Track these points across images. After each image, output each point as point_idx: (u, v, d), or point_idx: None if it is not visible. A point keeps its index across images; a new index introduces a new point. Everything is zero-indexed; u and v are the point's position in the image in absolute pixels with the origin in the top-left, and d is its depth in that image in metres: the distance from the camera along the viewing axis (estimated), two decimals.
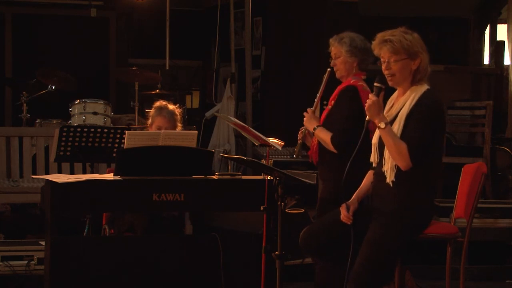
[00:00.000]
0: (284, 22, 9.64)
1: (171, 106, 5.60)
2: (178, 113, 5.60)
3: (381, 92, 4.29)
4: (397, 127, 4.23)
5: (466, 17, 11.70)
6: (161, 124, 5.51)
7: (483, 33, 11.75)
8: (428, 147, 4.19)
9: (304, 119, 5.08)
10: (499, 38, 11.45)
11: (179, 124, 5.60)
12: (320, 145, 5.07)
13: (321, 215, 4.98)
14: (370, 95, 4.26)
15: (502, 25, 11.31)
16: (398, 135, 4.20)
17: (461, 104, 9.01)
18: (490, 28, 11.68)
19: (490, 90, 10.75)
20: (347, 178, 4.27)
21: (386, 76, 4.29)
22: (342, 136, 4.91)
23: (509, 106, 9.59)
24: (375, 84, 4.31)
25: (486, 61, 11.81)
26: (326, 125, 5.00)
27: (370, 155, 4.43)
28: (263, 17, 9.78)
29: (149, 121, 5.64)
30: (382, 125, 4.18)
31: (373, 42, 4.34)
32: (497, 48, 11.12)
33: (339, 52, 5.04)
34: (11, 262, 5.88)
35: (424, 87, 4.28)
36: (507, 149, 8.83)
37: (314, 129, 5.01)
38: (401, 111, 4.26)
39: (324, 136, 4.96)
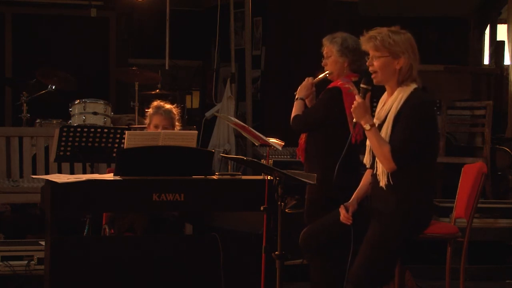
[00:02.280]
0: (284, 22, 9.64)
1: (167, 105, 5.62)
2: (175, 112, 5.61)
3: (367, 93, 4.31)
4: (386, 129, 4.23)
5: (466, 17, 11.69)
6: (158, 122, 5.52)
7: (483, 33, 11.74)
8: (418, 148, 4.18)
9: (302, 83, 5.14)
10: (499, 38, 11.45)
11: (177, 123, 5.61)
12: (306, 144, 5.12)
13: (309, 214, 5.03)
14: (357, 97, 4.27)
15: (502, 25, 11.30)
16: (387, 137, 4.20)
17: (461, 104, 9.00)
18: (490, 28, 11.67)
19: (490, 90, 10.74)
20: (338, 181, 4.29)
21: (370, 72, 4.31)
22: (302, 119, 5.08)
23: (509, 106, 9.59)
24: (361, 85, 4.35)
25: (486, 61, 11.80)
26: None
27: (354, 158, 4.44)
28: (263, 17, 9.77)
29: (147, 121, 5.65)
30: (367, 126, 4.20)
31: (361, 38, 4.38)
32: (497, 48, 11.12)
33: (330, 51, 5.09)
34: (11, 262, 5.88)
35: (411, 87, 4.26)
36: (507, 149, 8.83)
37: (297, 98, 5.15)
38: (390, 113, 4.25)
39: (294, 110, 5.13)
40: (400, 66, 4.25)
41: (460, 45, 11.68)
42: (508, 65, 10.07)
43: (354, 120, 4.27)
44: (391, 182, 4.21)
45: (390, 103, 4.27)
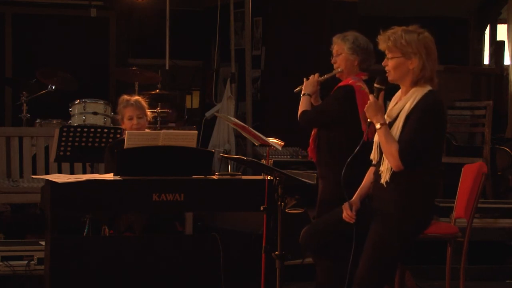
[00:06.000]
0: (284, 22, 9.64)
1: (134, 97, 5.71)
2: (143, 101, 5.66)
3: (380, 92, 4.34)
4: (397, 128, 4.26)
5: (466, 17, 11.69)
6: (132, 113, 5.58)
7: (483, 33, 11.75)
8: (424, 150, 4.20)
9: (309, 79, 5.13)
10: (499, 38, 11.46)
11: (148, 112, 5.66)
12: (317, 143, 5.11)
13: (321, 215, 5.00)
14: (370, 96, 4.31)
15: (502, 25, 11.31)
16: (397, 136, 4.23)
17: (461, 104, 9.01)
18: (490, 28, 11.68)
19: (490, 90, 10.75)
20: (346, 178, 4.28)
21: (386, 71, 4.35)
22: (313, 115, 5.05)
23: (509, 106, 9.59)
24: (375, 85, 4.37)
25: (486, 61, 11.81)
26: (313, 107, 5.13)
27: (367, 155, 4.44)
28: (263, 17, 9.78)
29: (119, 117, 5.68)
30: (378, 125, 4.25)
31: (378, 37, 4.39)
32: (497, 48, 11.12)
33: (341, 49, 5.07)
34: (11, 262, 5.87)
35: (426, 89, 4.28)
36: (507, 149, 8.83)
37: (303, 94, 5.12)
38: (402, 111, 4.28)
39: (301, 105, 5.11)
40: (413, 67, 4.27)
41: (460, 45, 11.68)
42: (508, 65, 10.08)
43: (368, 119, 4.29)
44: (393, 180, 4.23)
45: (403, 102, 4.30)
